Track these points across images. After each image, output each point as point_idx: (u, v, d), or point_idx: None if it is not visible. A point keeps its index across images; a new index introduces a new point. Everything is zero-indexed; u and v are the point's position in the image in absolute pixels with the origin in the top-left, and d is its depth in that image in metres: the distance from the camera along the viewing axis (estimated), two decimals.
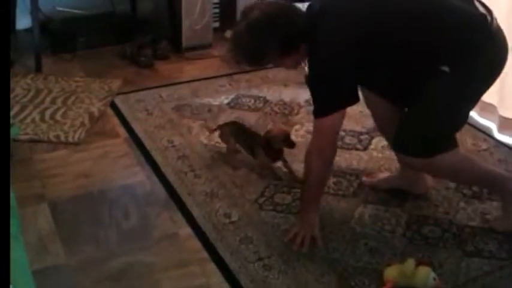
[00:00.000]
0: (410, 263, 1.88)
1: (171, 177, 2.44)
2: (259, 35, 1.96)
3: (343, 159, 2.61)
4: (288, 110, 3.05)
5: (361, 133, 2.82)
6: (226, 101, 3.12)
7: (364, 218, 2.24)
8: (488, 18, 1.98)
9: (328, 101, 1.99)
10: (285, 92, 3.25)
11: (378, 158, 2.63)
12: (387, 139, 2.41)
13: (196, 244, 2.08)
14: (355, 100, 2.01)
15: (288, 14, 2.00)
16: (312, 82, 2.03)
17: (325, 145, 2.02)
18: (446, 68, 1.90)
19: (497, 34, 1.99)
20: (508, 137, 2.83)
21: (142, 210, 2.25)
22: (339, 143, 2.72)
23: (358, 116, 2.84)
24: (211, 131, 2.67)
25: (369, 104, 2.33)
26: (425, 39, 1.93)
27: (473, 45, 1.93)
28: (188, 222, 2.19)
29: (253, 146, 2.48)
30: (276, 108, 3.06)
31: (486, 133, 2.86)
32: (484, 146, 2.75)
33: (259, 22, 1.97)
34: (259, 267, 1.98)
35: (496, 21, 2.02)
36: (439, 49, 1.94)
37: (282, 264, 1.99)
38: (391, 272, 1.89)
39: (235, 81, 3.37)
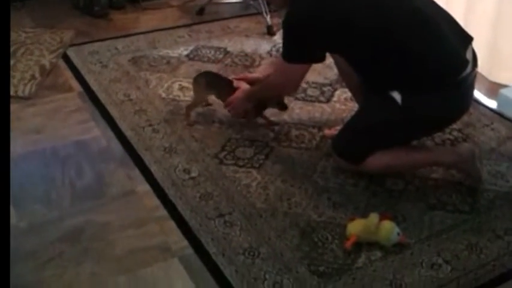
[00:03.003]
0: (374, 217, 1.85)
1: (128, 133, 2.34)
2: None
3: (305, 111, 2.55)
4: (249, 61, 2.95)
5: (323, 85, 2.75)
6: (185, 53, 3.00)
7: (327, 171, 2.19)
8: (469, 68, 1.95)
9: (295, 51, 1.99)
10: (246, 43, 3.14)
11: (341, 110, 2.57)
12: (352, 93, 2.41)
13: (154, 201, 2.00)
14: (321, 60, 2.03)
15: None
16: (285, 27, 1.98)
17: (284, 86, 2.14)
18: (397, 96, 1.91)
19: (466, 88, 1.98)
20: None
21: (97, 167, 2.15)
22: (302, 95, 2.65)
23: (320, 67, 2.76)
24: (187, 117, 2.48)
25: (338, 65, 2.34)
26: (398, 54, 1.91)
27: (436, 85, 1.91)
28: (146, 179, 2.10)
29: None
30: (236, 60, 2.96)
31: None
32: None
33: None
34: (220, 224, 1.91)
35: (475, 76, 2.01)
36: (403, 71, 1.93)
37: (243, 221, 1.93)
38: (354, 227, 1.86)
39: (194, 31, 3.25)
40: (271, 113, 2.43)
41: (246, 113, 2.35)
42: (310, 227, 1.92)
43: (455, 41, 1.97)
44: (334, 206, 2.02)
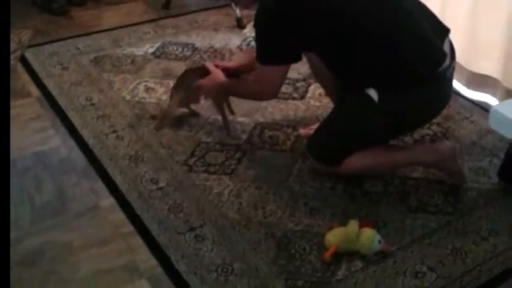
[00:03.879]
0: (353, 225, 1.75)
1: (90, 141, 2.20)
2: None
3: (278, 110, 2.43)
4: (218, 57, 2.81)
5: (297, 80, 2.63)
6: (151, 50, 2.86)
7: (303, 174, 2.09)
8: (447, 61, 1.86)
9: (269, 51, 1.90)
10: (215, 37, 3.01)
11: (316, 106, 2.47)
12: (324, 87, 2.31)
13: (120, 216, 1.87)
14: (298, 59, 1.93)
15: None
16: (256, 24, 1.88)
17: (263, 91, 2.02)
18: (374, 94, 1.82)
19: (444, 82, 1.90)
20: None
21: (58, 180, 2.01)
22: None
23: None
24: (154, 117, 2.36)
25: (310, 60, 2.23)
26: (372, 50, 1.82)
27: (413, 81, 1.82)
28: (110, 191, 1.97)
29: None
30: (205, 56, 2.83)
31: None
32: None
33: None
34: (190, 238, 1.80)
35: (453, 69, 1.92)
36: (380, 67, 1.83)
37: (215, 234, 1.82)
38: (333, 236, 1.76)
39: (160, 27, 3.10)
40: None
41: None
42: (287, 238, 1.81)
43: (432, 33, 1.87)
44: (311, 212, 1.92)
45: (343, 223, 1.79)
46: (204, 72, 2.18)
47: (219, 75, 2.13)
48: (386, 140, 2.03)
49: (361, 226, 1.76)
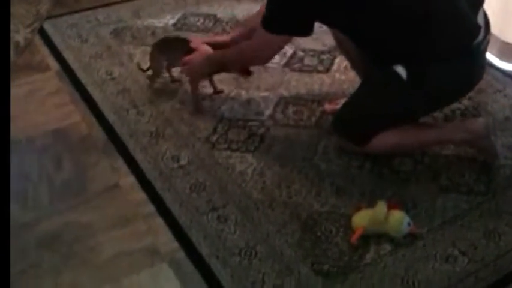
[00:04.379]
0: (382, 206, 1.67)
1: (111, 117, 2.14)
2: None
3: (302, 84, 2.35)
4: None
5: (322, 52, 2.54)
6: (172, 22, 2.77)
7: (329, 152, 2.01)
8: (481, 35, 1.77)
9: (279, 19, 1.77)
10: (237, 7, 2.91)
11: (341, 80, 2.37)
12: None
13: (141, 196, 1.83)
14: (308, 32, 1.80)
15: None
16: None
17: (257, 57, 1.93)
18: (402, 70, 1.74)
19: (478, 57, 1.82)
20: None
21: (78, 159, 1.97)
22: (298, 65, 2.45)
23: (317, 32, 2.52)
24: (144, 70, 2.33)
25: (339, 45, 2.18)
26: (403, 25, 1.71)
27: (445, 55, 1.73)
28: (131, 170, 1.92)
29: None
30: (227, 28, 2.73)
31: None
32: None
33: None
34: (213, 219, 1.75)
35: (488, 42, 1.84)
36: (409, 40, 1.73)
37: (238, 215, 1.76)
38: (360, 218, 1.69)
39: None
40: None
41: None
42: (312, 219, 1.75)
43: (465, 5, 1.76)
44: (337, 192, 1.85)
45: (371, 204, 1.72)
46: (188, 46, 2.13)
47: (206, 51, 2.05)
48: (416, 118, 1.94)
49: (389, 207, 1.68)
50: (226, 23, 2.77)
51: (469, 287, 1.57)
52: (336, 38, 2.17)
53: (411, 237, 1.69)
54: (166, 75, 2.31)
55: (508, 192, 1.86)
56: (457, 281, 1.59)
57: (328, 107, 2.20)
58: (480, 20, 1.80)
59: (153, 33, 2.67)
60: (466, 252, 1.66)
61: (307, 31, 1.79)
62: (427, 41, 1.71)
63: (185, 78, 2.25)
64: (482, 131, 1.90)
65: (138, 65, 2.36)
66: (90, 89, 2.29)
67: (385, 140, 1.84)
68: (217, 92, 2.26)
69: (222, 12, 2.86)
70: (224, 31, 2.69)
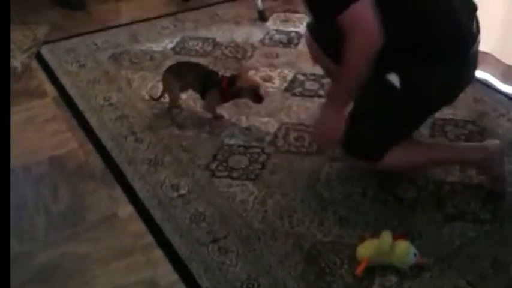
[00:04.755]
0: (387, 237, 1.63)
1: (108, 144, 2.11)
2: None
3: (303, 109, 2.32)
4: (240, 53, 2.70)
5: (323, 76, 2.50)
6: (170, 46, 2.75)
7: (331, 179, 1.97)
8: (477, 42, 1.76)
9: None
10: (236, 31, 2.89)
11: None
12: None
13: (139, 227, 1.78)
14: None
15: None
16: None
17: (362, 41, 1.56)
18: (395, 79, 1.69)
19: (473, 59, 1.78)
20: (481, 71, 2.56)
21: (75, 187, 1.92)
22: (299, 89, 2.42)
23: None
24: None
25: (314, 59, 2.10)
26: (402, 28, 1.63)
27: (441, 61, 1.68)
28: (129, 199, 1.88)
29: (206, 85, 2.15)
30: (227, 52, 2.71)
31: None
32: None
33: None
34: (213, 251, 1.70)
35: (478, 44, 1.78)
36: (403, 46, 1.65)
37: (240, 246, 1.72)
38: (365, 249, 1.65)
39: (180, 21, 2.99)
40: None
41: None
42: (316, 250, 1.71)
43: (462, 11, 1.73)
44: (341, 221, 1.81)
45: (376, 234, 1.67)
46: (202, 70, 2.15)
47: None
48: (420, 122, 1.92)
49: (395, 238, 1.64)
50: (226, 47, 2.74)
51: None
52: (314, 59, 2.11)
53: (417, 269, 1.64)
54: (166, 99, 2.28)
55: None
56: None
57: None
58: (475, 26, 1.77)
59: (152, 58, 2.64)
60: (474, 283, 1.61)
61: None
62: (422, 43, 1.67)
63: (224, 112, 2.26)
64: (494, 150, 1.87)
65: (151, 97, 2.33)
66: (87, 115, 2.26)
67: (398, 155, 1.79)
68: (217, 117, 2.23)
69: (220, 36, 2.84)
70: (223, 55, 2.67)
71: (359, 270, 1.61)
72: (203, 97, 2.19)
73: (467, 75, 1.82)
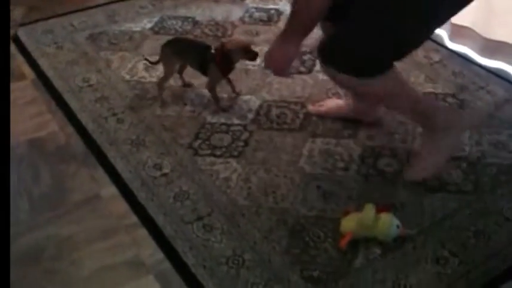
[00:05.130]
0: (370, 210, 1.64)
1: (89, 125, 2.09)
2: None
3: (284, 86, 2.31)
4: (220, 31, 2.68)
5: (303, 53, 2.50)
6: (149, 25, 2.72)
7: (314, 155, 1.98)
8: None
9: None
10: (216, 9, 2.86)
11: (324, 81, 2.33)
12: None
13: (123, 206, 1.78)
14: None
15: None
16: None
17: None
18: None
19: None
20: (460, 45, 2.58)
21: (57, 169, 1.91)
22: None
23: None
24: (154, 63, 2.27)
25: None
26: None
27: None
28: (112, 179, 1.87)
29: (204, 61, 2.11)
30: (207, 30, 2.69)
31: (437, 42, 2.60)
32: (437, 58, 2.51)
33: None
34: (198, 228, 1.70)
35: None
36: None
37: (224, 223, 1.72)
38: (349, 223, 1.66)
39: (158, 0, 2.95)
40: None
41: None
42: (300, 225, 1.72)
43: None
44: (324, 196, 1.82)
45: (359, 207, 1.69)
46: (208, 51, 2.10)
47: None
48: (424, 37, 1.72)
49: (378, 211, 1.65)
50: (205, 25, 2.72)
51: None
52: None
53: (401, 240, 1.66)
54: (146, 79, 2.26)
55: (496, 191, 1.84)
56: (448, 283, 1.56)
57: (312, 108, 2.17)
58: None
59: (131, 38, 2.61)
60: (456, 253, 1.64)
61: None
62: None
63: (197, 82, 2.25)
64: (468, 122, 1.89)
65: (147, 60, 2.30)
66: (67, 97, 2.23)
67: (382, 82, 1.64)
68: (186, 85, 2.25)
69: (200, 14, 2.82)
70: (203, 33, 2.65)
71: (343, 243, 1.63)
72: (205, 73, 2.15)
73: None
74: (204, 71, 2.13)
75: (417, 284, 1.55)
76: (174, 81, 2.30)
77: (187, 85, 2.28)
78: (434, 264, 1.60)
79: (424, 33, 1.69)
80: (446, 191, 1.84)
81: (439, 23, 1.70)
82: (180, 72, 2.26)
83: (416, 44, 1.71)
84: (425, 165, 1.85)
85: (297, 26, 1.65)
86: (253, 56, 2.06)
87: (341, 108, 2.14)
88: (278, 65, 1.75)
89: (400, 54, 1.68)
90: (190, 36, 2.61)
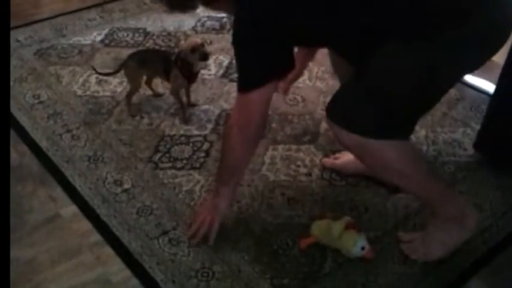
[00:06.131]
0: (339, 224, 1.62)
1: (43, 143, 2.03)
2: None
3: None
4: (173, 41, 2.65)
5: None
6: (99, 38, 2.67)
7: (276, 162, 1.98)
8: None
9: (255, 71, 1.47)
10: (167, 19, 2.83)
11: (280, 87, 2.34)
12: None
13: (85, 225, 1.73)
14: (291, 66, 1.51)
15: None
16: (235, 43, 1.49)
17: (249, 122, 1.53)
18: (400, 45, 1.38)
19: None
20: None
21: (12, 190, 1.83)
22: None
23: None
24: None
25: (335, 68, 1.90)
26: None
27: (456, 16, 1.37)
28: (71, 198, 1.82)
29: (168, 68, 2.09)
30: (159, 41, 2.66)
31: None
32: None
33: None
34: (164, 243, 1.67)
35: None
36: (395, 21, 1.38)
37: None
38: (317, 228, 1.66)
39: (106, 12, 2.90)
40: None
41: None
42: (267, 233, 1.71)
43: None
44: (289, 202, 1.82)
45: (336, 216, 1.67)
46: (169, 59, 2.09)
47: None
48: (435, 99, 1.53)
49: (347, 227, 1.63)
50: (157, 36, 2.69)
51: (429, 287, 1.57)
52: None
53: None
54: (100, 93, 2.21)
55: (455, 188, 1.88)
56: (416, 282, 1.59)
57: (326, 160, 1.97)
58: None
59: (80, 52, 2.56)
60: None
61: (290, 64, 1.50)
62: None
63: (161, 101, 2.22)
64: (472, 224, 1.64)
65: (94, 68, 2.27)
66: (18, 115, 2.16)
67: (392, 149, 1.45)
68: (157, 95, 2.24)
69: (151, 25, 2.78)
70: (156, 44, 2.62)
71: (303, 244, 1.64)
72: (168, 80, 2.13)
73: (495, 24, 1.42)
74: (168, 78, 2.12)
75: (386, 285, 1.57)
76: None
77: (157, 95, 2.26)
78: (401, 264, 1.63)
79: (446, 90, 1.57)
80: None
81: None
82: (149, 83, 2.23)
83: (435, 101, 1.55)
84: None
85: (226, 180, 1.65)
86: (202, 54, 2.03)
87: (359, 163, 1.65)
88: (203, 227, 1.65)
89: (420, 114, 1.51)
90: (142, 48, 2.57)
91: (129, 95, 2.17)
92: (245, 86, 1.50)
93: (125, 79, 2.21)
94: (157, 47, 2.59)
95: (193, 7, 1.60)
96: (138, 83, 2.17)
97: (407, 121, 1.47)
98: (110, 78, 2.31)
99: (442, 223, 1.62)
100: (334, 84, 2.08)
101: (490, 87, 2.18)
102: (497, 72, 1.89)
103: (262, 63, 1.45)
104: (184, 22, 2.79)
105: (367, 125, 1.40)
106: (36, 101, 2.24)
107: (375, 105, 1.39)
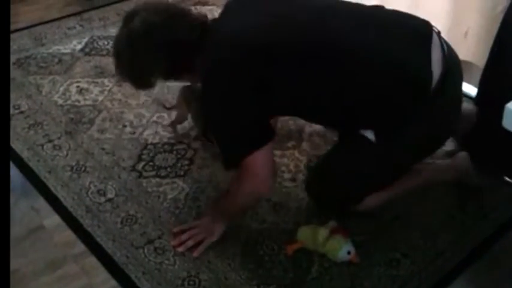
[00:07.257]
0: (324, 230, 1.63)
1: (24, 154, 2.00)
2: (139, 53, 1.58)
3: None
4: None
5: None
6: (79, 47, 2.65)
7: None
8: (437, 73, 1.55)
9: (236, 146, 1.56)
10: None
11: None
12: None
13: (69, 235, 1.71)
14: (271, 136, 1.58)
15: (178, 24, 1.59)
16: (209, 123, 1.59)
17: (254, 188, 1.61)
18: (370, 135, 1.59)
19: (443, 97, 1.57)
20: None
21: None
22: None
23: None
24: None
25: None
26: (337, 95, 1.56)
27: (403, 112, 1.57)
28: (54, 208, 1.80)
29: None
30: None
31: None
32: None
33: (139, 35, 1.57)
34: (150, 252, 1.66)
35: (460, 74, 1.67)
36: (356, 110, 1.58)
37: None
38: (304, 233, 1.67)
39: (86, 20, 2.88)
40: None
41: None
42: (253, 239, 1.71)
43: (410, 53, 1.57)
44: (274, 208, 1.82)
45: (324, 223, 1.67)
46: None
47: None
48: (400, 173, 1.76)
49: (333, 231, 1.64)
50: None
51: None
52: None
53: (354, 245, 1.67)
54: (80, 102, 2.20)
55: (440, 188, 1.88)
56: (402, 284, 1.59)
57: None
58: (436, 55, 1.57)
59: (60, 61, 2.54)
60: (407, 254, 1.67)
61: (270, 134, 1.58)
62: (380, 105, 1.57)
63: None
64: (466, 165, 1.87)
65: (163, 104, 2.21)
66: None
67: (375, 196, 1.72)
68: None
69: None
70: None
71: (290, 249, 1.64)
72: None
73: (443, 121, 1.65)
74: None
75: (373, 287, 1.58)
76: (110, 103, 2.24)
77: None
78: (387, 267, 1.64)
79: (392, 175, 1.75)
80: None
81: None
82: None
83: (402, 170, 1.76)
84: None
85: (235, 212, 1.72)
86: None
87: None
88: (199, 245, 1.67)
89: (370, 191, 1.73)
90: None
91: (173, 125, 2.10)
92: (232, 163, 1.59)
93: (106, 87, 2.19)
94: None
95: (152, 85, 1.73)
96: (182, 116, 2.07)
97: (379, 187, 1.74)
98: (90, 87, 2.30)
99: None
100: None
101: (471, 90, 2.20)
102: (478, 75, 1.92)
103: (240, 139, 1.56)
104: None
105: (350, 204, 1.73)
106: (17, 111, 2.21)
107: (348, 192, 1.69)
